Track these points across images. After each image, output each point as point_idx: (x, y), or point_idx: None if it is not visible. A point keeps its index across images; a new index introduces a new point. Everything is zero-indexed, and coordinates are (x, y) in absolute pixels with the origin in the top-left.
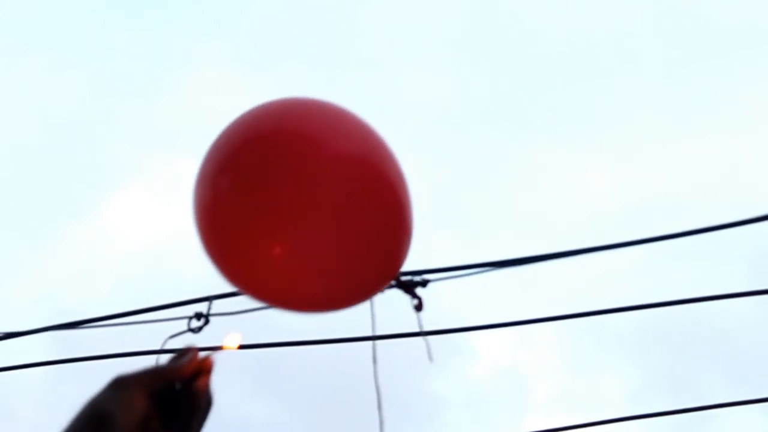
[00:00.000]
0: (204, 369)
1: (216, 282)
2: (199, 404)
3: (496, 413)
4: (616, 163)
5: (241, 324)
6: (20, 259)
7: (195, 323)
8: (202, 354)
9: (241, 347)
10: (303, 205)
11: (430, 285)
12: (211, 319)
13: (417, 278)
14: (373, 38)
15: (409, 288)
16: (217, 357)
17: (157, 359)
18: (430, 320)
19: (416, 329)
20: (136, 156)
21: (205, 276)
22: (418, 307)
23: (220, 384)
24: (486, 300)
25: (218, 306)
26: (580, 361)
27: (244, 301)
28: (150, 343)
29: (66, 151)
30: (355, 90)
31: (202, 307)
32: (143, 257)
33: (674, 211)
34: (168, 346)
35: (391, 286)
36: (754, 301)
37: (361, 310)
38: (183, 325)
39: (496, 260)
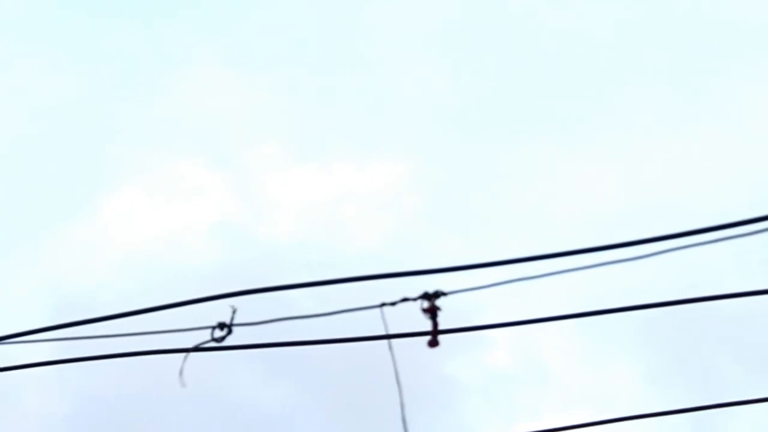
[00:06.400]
0: None
1: (218, 282)
2: None
3: (512, 398)
4: (616, 163)
5: (262, 333)
6: (21, 257)
7: (218, 333)
8: None
9: (253, 346)
10: None
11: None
12: (234, 328)
13: (436, 299)
14: (373, 38)
15: (433, 314)
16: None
17: (184, 359)
18: (444, 311)
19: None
20: (134, 155)
21: (205, 274)
22: (433, 342)
23: (232, 368)
24: (500, 291)
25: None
26: (596, 347)
27: (266, 311)
28: (158, 342)
29: (65, 150)
30: (355, 90)
31: (219, 308)
32: (142, 256)
33: (668, 213)
34: (192, 355)
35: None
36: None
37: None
38: (202, 330)
39: (507, 259)
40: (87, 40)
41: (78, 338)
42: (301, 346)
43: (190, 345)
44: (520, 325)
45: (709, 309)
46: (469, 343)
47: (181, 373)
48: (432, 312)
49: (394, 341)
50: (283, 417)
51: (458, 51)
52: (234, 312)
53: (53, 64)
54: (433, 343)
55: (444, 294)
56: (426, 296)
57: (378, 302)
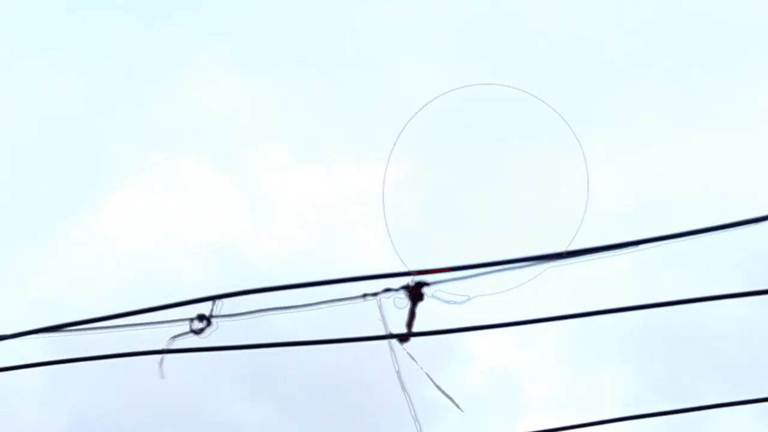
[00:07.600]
0: None
1: (218, 283)
2: None
3: (491, 418)
4: (615, 164)
5: (243, 326)
6: (20, 260)
7: (197, 325)
8: None
9: (243, 347)
10: None
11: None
12: (214, 320)
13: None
14: (373, 38)
15: (416, 296)
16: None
17: (161, 360)
18: (425, 323)
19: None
20: (135, 156)
21: (204, 275)
22: (403, 339)
23: (214, 388)
24: (481, 302)
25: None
26: (575, 365)
27: (247, 303)
28: (151, 343)
29: (65, 151)
30: (355, 90)
31: (203, 308)
32: (143, 256)
33: (669, 213)
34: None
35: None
36: (747, 302)
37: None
38: (185, 326)
39: (496, 261)
40: (88, 41)
41: (71, 327)
42: (297, 346)
43: (175, 345)
44: (516, 326)
45: (695, 323)
46: (447, 361)
47: (160, 363)
48: (414, 297)
49: (377, 356)
50: None
51: (459, 51)
52: (213, 305)
53: (55, 64)
54: (404, 338)
55: (426, 284)
56: (408, 287)
57: (381, 307)
